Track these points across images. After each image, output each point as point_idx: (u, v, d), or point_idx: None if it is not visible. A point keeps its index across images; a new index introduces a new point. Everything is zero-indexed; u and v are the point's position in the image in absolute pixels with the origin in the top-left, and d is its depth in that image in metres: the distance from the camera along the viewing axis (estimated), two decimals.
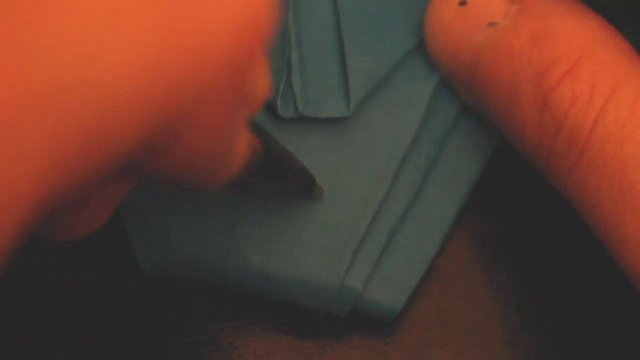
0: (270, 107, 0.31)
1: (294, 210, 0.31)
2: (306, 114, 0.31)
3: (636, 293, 0.28)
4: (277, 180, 0.29)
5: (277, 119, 0.31)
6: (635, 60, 0.28)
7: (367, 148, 0.31)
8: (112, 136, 0.17)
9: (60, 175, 0.17)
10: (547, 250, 0.32)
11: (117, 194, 0.23)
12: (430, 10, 0.30)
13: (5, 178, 0.16)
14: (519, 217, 0.33)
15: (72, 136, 0.17)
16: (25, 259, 0.32)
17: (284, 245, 0.31)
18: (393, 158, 0.31)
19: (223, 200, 0.31)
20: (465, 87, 0.30)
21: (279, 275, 0.30)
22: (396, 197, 0.31)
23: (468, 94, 0.30)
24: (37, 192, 0.17)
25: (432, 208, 0.31)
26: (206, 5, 0.18)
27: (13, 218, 0.17)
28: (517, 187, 0.33)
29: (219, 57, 0.19)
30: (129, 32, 0.17)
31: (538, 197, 0.32)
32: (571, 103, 0.27)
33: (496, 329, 0.32)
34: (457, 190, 0.32)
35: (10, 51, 0.16)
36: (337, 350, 0.32)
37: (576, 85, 0.27)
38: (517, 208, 0.33)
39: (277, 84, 0.31)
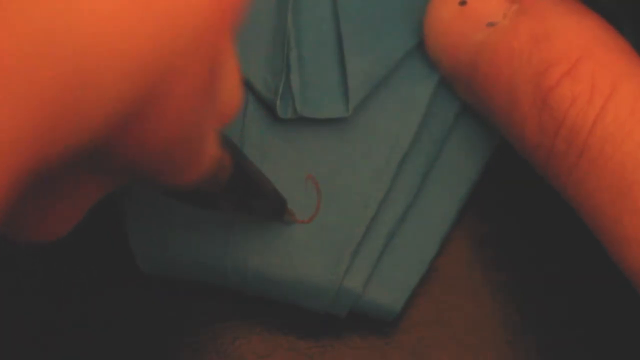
0: (269, 108, 0.31)
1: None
2: (305, 115, 0.31)
3: (636, 293, 0.28)
4: (247, 199, 0.29)
5: (276, 120, 0.31)
6: (635, 60, 0.28)
7: (366, 148, 0.31)
8: (90, 100, 0.17)
9: (38, 142, 0.17)
10: (547, 250, 0.32)
11: (88, 196, 0.23)
12: (430, 10, 0.30)
13: None
14: (519, 217, 0.33)
15: (51, 92, 0.16)
16: (25, 258, 0.32)
17: (283, 246, 0.31)
18: (393, 158, 0.31)
19: None
20: (465, 87, 0.30)
21: (278, 276, 0.30)
22: (396, 197, 0.31)
23: (467, 93, 0.30)
24: (17, 159, 0.16)
25: (432, 208, 0.31)
26: None
27: None
28: (517, 187, 0.33)
29: (196, 19, 0.18)
30: None
31: (538, 198, 0.32)
32: (571, 103, 0.27)
33: (496, 329, 0.32)
34: (456, 190, 0.32)
35: None
36: (337, 350, 0.32)
37: (576, 85, 0.27)
38: (517, 208, 0.33)
39: (276, 85, 0.31)
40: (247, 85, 0.31)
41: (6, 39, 0.16)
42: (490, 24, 0.29)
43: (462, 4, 0.29)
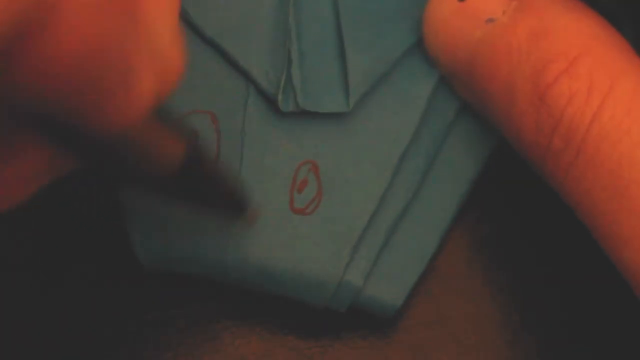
0: (271, 101, 0.31)
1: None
2: (307, 109, 0.31)
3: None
4: (201, 189, 0.27)
5: (277, 113, 0.31)
6: (633, 58, 0.28)
7: (367, 143, 0.31)
8: None
9: None
10: (547, 250, 0.32)
11: (24, 169, 0.21)
12: (429, 7, 0.30)
13: None
14: (519, 218, 0.33)
15: None
16: (24, 257, 0.32)
17: (284, 239, 0.31)
18: (393, 153, 0.31)
19: None
20: (463, 84, 0.30)
21: (278, 270, 0.30)
22: (396, 193, 0.31)
23: (466, 91, 0.30)
24: None
25: (432, 205, 0.32)
26: None
27: None
28: (517, 187, 0.33)
29: None
30: None
31: (538, 198, 0.32)
32: (568, 101, 0.27)
33: (496, 329, 0.32)
34: (456, 188, 0.32)
35: None
36: (337, 350, 0.32)
37: (573, 83, 0.27)
38: (517, 208, 0.33)
39: (278, 78, 0.31)
40: (249, 78, 0.31)
41: None
42: (489, 21, 0.29)
43: (461, 0, 0.29)
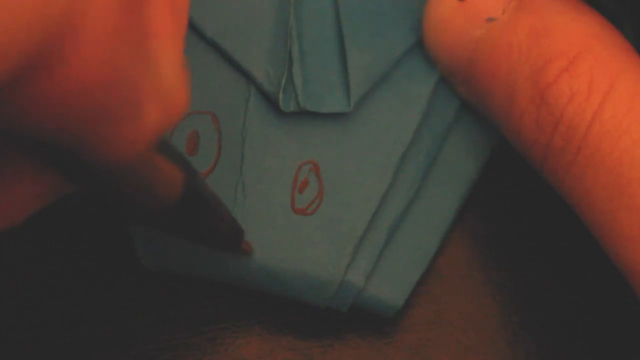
0: (271, 101, 0.31)
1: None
2: (308, 109, 0.31)
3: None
4: (197, 224, 0.28)
5: (278, 113, 0.31)
6: (633, 57, 0.28)
7: (368, 143, 0.31)
8: None
9: None
10: (548, 250, 0.32)
11: (26, 191, 0.21)
12: (429, 6, 0.30)
13: None
14: (519, 217, 0.33)
15: None
16: (24, 256, 0.32)
17: (285, 239, 0.31)
18: (394, 153, 0.31)
19: (223, 195, 0.31)
20: (463, 83, 0.30)
21: (279, 269, 0.30)
22: (397, 192, 0.31)
23: (466, 90, 0.30)
24: None
25: (433, 205, 0.32)
26: None
27: None
28: (517, 187, 0.33)
29: None
30: None
31: (538, 198, 0.32)
32: (569, 99, 0.27)
33: (496, 329, 0.32)
34: (457, 187, 0.32)
35: None
36: (337, 350, 0.32)
37: (574, 82, 0.27)
38: (517, 208, 0.33)
39: (278, 78, 0.31)
40: (249, 78, 0.31)
41: None
42: (489, 20, 0.29)
43: (461, 0, 0.29)
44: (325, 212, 0.31)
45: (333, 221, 0.31)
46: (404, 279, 0.31)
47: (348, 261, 0.30)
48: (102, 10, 0.18)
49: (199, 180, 0.26)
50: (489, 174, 0.32)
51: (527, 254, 0.32)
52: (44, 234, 0.32)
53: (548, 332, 0.32)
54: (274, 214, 0.31)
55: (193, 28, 0.32)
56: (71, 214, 0.32)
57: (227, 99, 0.31)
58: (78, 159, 0.20)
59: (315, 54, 0.31)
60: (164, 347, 0.32)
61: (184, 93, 0.22)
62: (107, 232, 0.32)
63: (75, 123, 0.19)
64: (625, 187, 0.26)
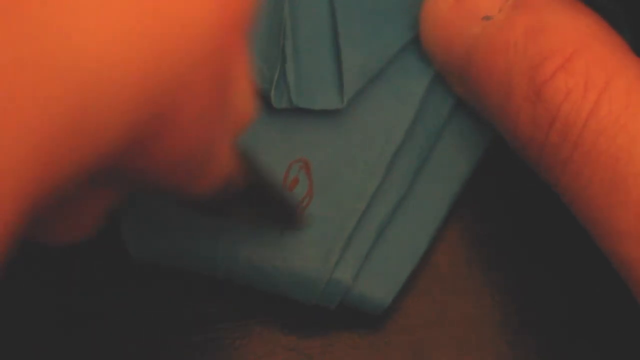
0: (264, 98, 0.31)
1: None
2: (300, 105, 0.31)
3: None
4: (260, 209, 0.29)
5: (270, 110, 0.31)
6: (629, 54, 0.28)
7: (360, 141, 0.31)
8: (97, 125, 0.17)
9: (46, 169, 0.17)
10: (547, 250, 0.32)
11: (102, 205, 0.23)
12: (426, 4, 0.30)
13: None
14: (519, 217, 0.33)
15: (55, 126, 0.16)
16: (23, 256, 0.32)
17: (274, 236, 0.31)
18: (386, 151, 0.31)
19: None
20: (459, 81, 0.30)
21: (268, 266, 0.30)
22: (388, 190, 0.31)
23: (462, 87, 0.30)
24: (24, 189, 0.16)
25: (424, 203, 0.31)
26: None
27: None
28: (516, 187, 0.33)
29: (204, 32, 0.18)
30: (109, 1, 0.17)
31: (537, 197, 0.32)
32: (565, 96, 0.27)
33: (496, 329, 0.32)
34: (449, 186, 0.32)
35: None
36: (337, 350, 0.32)
37: (570, 79, 0.27)
38: (516, 208, 0.33)
39: (271, 75, 0.31)
40: None
41: (9, 63, 0.16)
42: (486, 18, 0.29)
43: None
44: (314, 210, 0.31)
45: (322, 220, 0.31)
46: (393, 278, 0.31)
47: (336, 259, 0.30)
48: (200, 99, 0.19)
49: (259, 167, 0.27)
50: (487, 175, 0.32)
51: (527, 253, 0.32)
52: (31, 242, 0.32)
53: (548, 332, 0.32)
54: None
55: None
56: None
57: None
58: (167, 193, 0.23)
59: (309, 50, 0.31)
60: (163, 347, 0.32)
61: (252, 105, 0.23)
62: (108, 232, 0.32)
63: (164, 180, 0.21)
64: (621, 183, 0.26)
